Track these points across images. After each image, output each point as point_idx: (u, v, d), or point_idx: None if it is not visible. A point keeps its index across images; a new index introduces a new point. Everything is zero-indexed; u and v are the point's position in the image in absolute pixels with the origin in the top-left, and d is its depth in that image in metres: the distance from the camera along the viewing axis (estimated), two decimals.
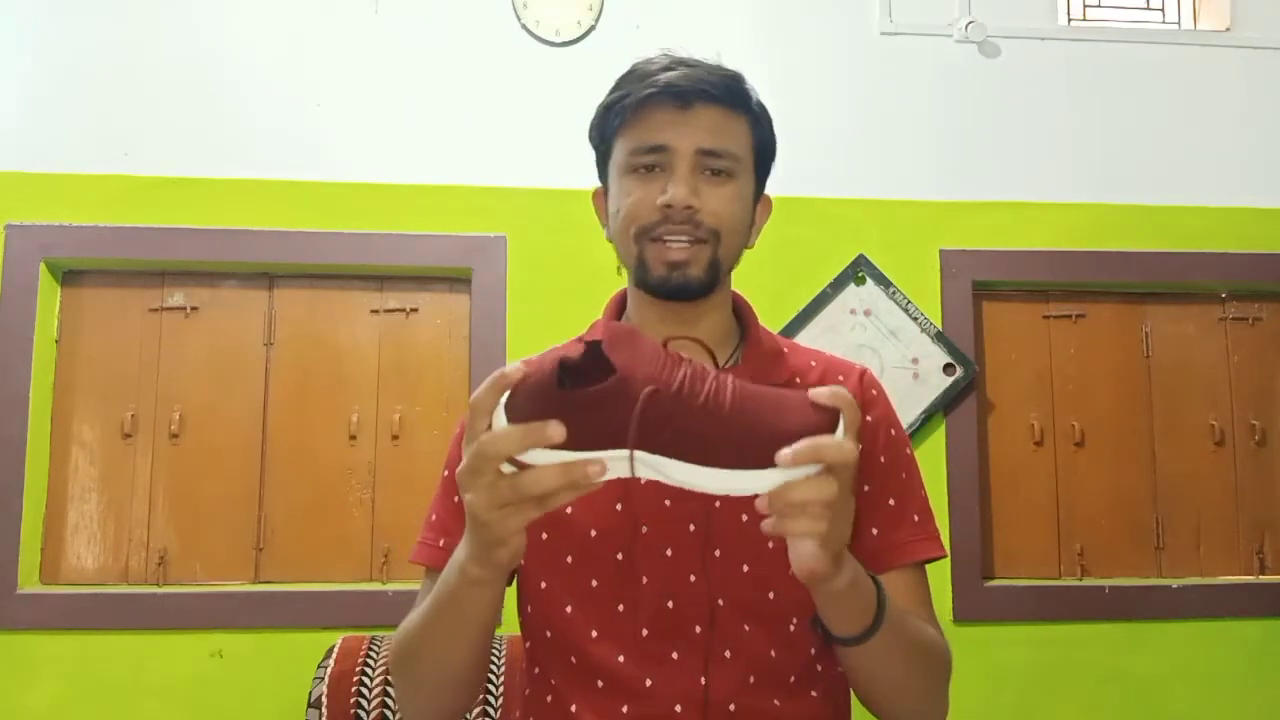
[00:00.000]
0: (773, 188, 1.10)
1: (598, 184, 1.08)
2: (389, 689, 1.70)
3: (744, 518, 0.96)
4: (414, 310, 2.26)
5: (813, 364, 1.08)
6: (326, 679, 1.72)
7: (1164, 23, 2.53)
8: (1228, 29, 2.45)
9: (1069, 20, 2.48)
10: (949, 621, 2.18)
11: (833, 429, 0.71)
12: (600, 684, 0.95)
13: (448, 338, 2.26)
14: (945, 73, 2.36)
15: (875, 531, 1.00)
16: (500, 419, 0.71)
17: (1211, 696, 2.22)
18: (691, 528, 0.96)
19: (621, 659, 0.95)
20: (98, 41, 2.20)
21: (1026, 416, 2.33)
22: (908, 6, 2.35)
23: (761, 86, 1.06)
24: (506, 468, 0.70)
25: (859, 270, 2.26)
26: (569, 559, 0.97)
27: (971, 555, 2.21)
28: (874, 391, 1.07)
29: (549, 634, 0.99)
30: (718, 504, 0.96)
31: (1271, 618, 2.26)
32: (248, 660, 2.06)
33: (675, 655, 0.94)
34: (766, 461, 0.69)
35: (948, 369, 2.25)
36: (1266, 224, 2.35)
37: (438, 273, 2.24)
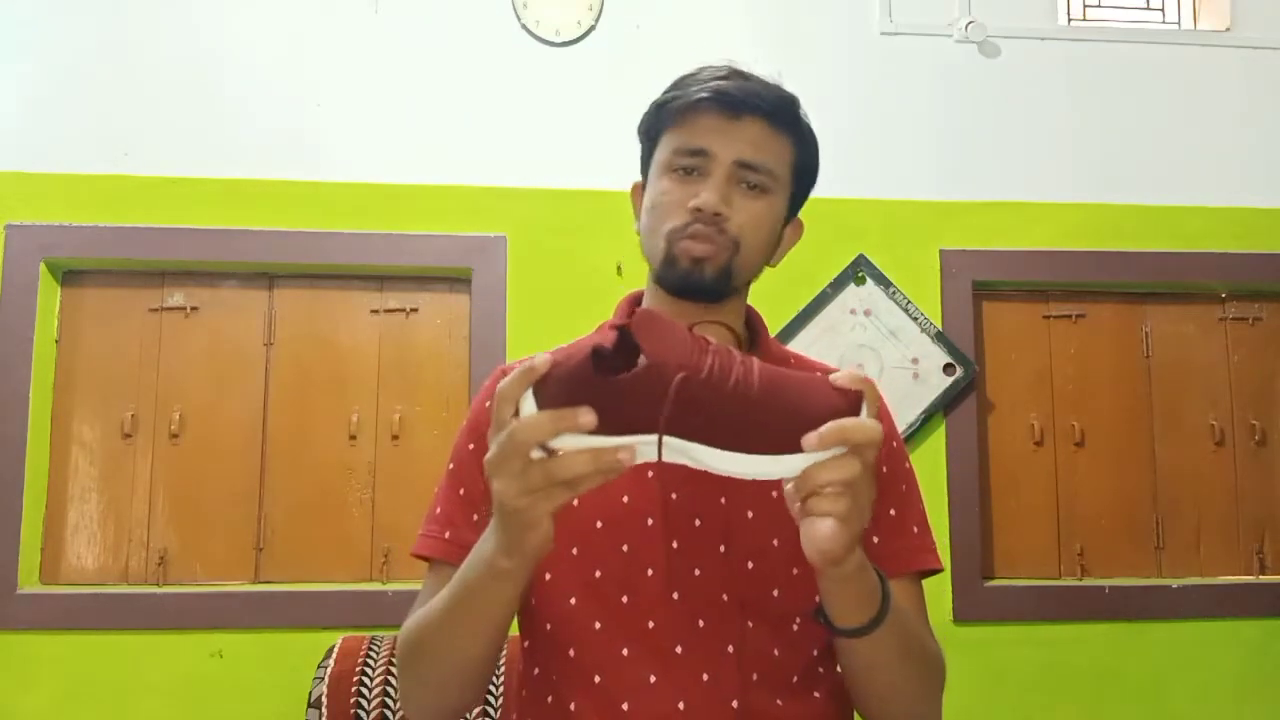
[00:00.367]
0: None
1: (639, 178, 1.09)
2: (389, 689, 1.70)
3: (749, 514, 0.96)
4: (414, 310, 2.26)
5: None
6: (326, 679, 1.72)
7: (1164, 23, 2.53)
8: (1228, 29, 2.45)
9: (1069, 20, 2.48)
10: (949, 621, 2.18)
11: (856, 410, 0.72)
12: (599, 680, 0.95)
13: (448, 338, 2.26)
14: (945, 73, 2.36)
15: (876, 540, 1.01)
16: (529, 407, 0.72)
17: (1211, 696, 2.22)
18: (698, 522, 0.96)
19: (625, 652, 0.95)
20: (98, 41, 2.20)
21: (1026, 416, 2.33)
22: (908, 6, 2.35)
23: None
24: (537, 454, 0.71)
25: (859, 270, 2.26)
26: (574, 550, 0.97)
27: (971, 555, 2.21)
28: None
29: (549, 626, 0.98)
30: (723, 500, 0.96)
31: (1271, 618, 2.26)
32: (248, 660, 2.06)
33: (679, 650, 0.94)
34: (794, 446, 0.71)
35: (948, 369, 2.25)
36: (1266, 224, 2.35)
37: (438, 273, 2.24)
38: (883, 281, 2.26)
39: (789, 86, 1.07)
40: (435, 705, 0.96)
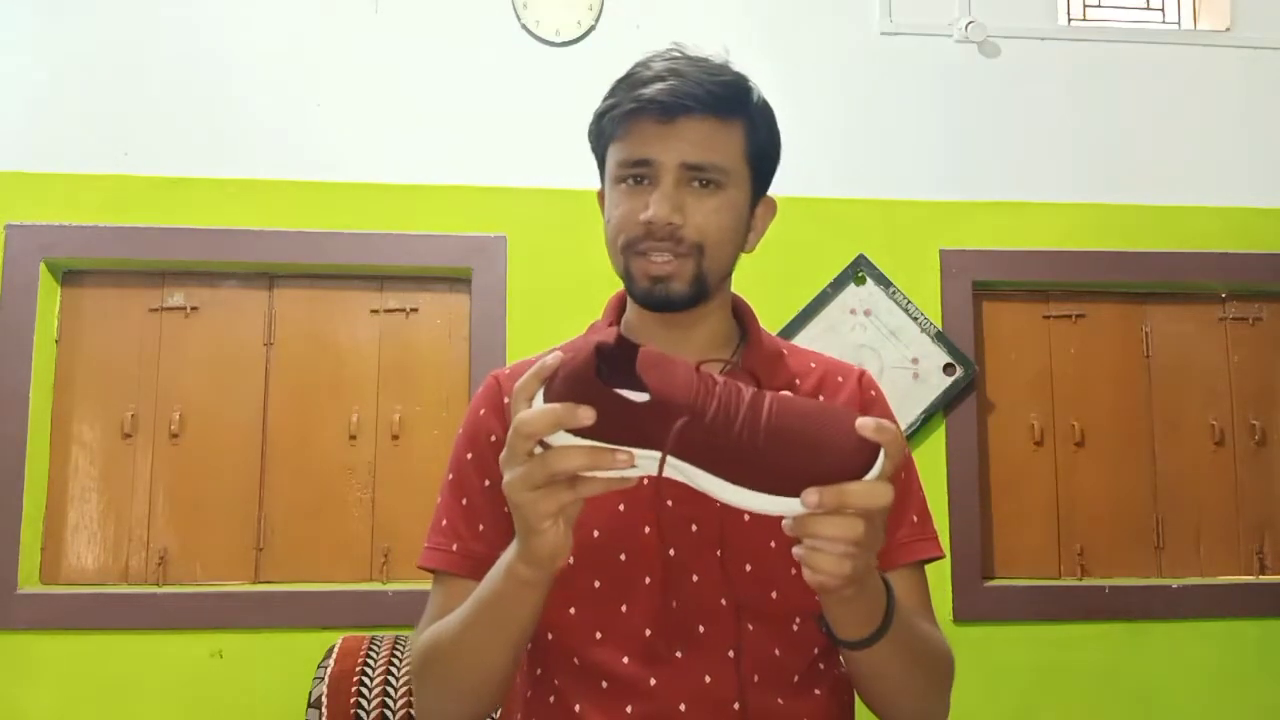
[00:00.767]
0: (773, 187, 1.09)
1: (599, 185, 1.08)
2: (389, 689, 1.70)
3: (746, 517, 0.96)
4: (414, 310, 2.26)
5: (812, 365, 1.09)
6: (326, 679, 1.72)
7: (1164, 23, 2.53)
8: (1228, 29, 2.45)
9: (1069, 20, 2.48)
10: (949, 621, 2.18)
11: (870, 462, 0.68)
12: (604, 685, 0.95)
13: (448, 338, 2.26)
14: (945, 73, 2.36)
15: None
16: (538, 403, 0.72)
17: (1211, 696, 2.22)
18: (694, 528, 0.96)
19: (625, 660, 0.95)
20: (98, 41, 2.20)
21: (1026, 416, 2.33)
22: (908, 6, 2.35)
23: (762, 86, 1.05)
24: (537, 450, 0.71)
25: (859, 270, 2.26)
26: (571, 560, 0.97)
27: (971, 555, 2.21)
28: (872, 393, 1.08)
29: (550, 636, 0.99)
30: (719, 504, 0.96)
31: (1271, 618, 2.26)
32: (248, 660, 2.06)
33: (679, 655, 0.94)
34: (796, 491, 0.68)
35: (948, 369, 2.25)
36: (1266, 224, 2.35)
37: (438, 273, 2.24)
38: (883, 281, 2.26)
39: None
40: (456, 712, 0.96)
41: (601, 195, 1.07)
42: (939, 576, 2.15)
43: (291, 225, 2.18)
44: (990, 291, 2.34)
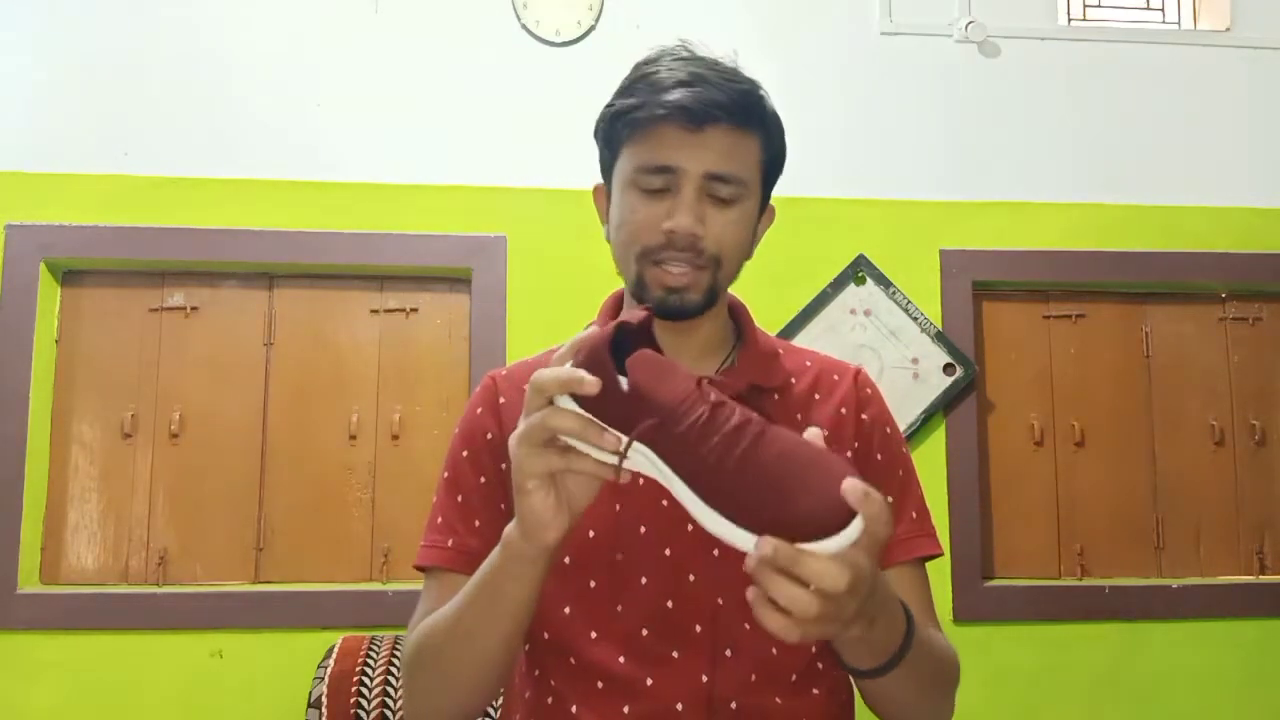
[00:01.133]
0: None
1: (599, 180, 1.07)
2: (389, 689, 1.70)
3: None
4: (414, 310, 2.26)
5: (808, 364, 1.08)
6: (326, 679, 1.72)
7: (1164, 23, 2.53)
8: (1228, 29, 2.45)
9: (1069, 20, 2.48)
10: (949, 621, 2.18)
11: (843, 525, 0.64)
12: (600, 685, 0.95)
13: (448, 338, 2.26)
14: (945, 73, 2.36)
15: None
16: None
17: (1211, 696, 2.22)
18: (690, 527, 0.96)
19: (622, 660, 0.94)
20: (98, 41, 2.20)
21: (1026, 416, 2.33)
22: (908, 6, 2.35)
23: (762, 87, 1.05)
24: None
25: (859, 270, 2.26)
26: (566, 560, 0.97)
27: (971, 555, 2.21)
28: (869, 390, 1.07)
29: (547, 635, 0.98)
30: None
31: (1271, 618, 2.26)
32: (248, 660, 2.06)
33: (676, 654, 0.94)
34: (758, 529, 0.65)
35: (948, 369, 2.25)
36: (1266, 224, 2.35)
37: (438, 273, 2.24)
38: (883, 281, 2.26)
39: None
40: (447, 705, 0.95)
41: (600, 190, 1.06)
42: (939, 576, 2.15)
43: (291, 225, 2.18)
44: (990, 291, 2.34)
